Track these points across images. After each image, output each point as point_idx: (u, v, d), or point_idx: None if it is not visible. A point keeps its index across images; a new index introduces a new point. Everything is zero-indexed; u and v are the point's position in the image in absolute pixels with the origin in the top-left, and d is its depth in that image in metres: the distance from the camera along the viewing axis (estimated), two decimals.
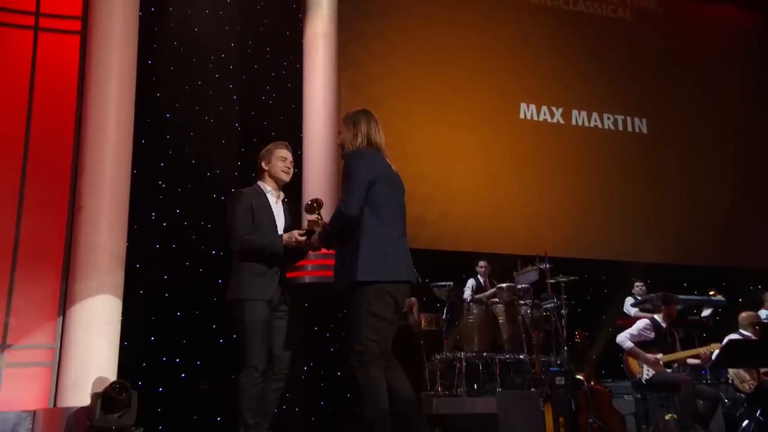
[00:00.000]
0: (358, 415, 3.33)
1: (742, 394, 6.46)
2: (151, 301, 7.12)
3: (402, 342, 4.16)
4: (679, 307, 6.69)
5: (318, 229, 3.73)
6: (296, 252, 4.04)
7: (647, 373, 6.07)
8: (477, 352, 6.75)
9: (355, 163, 3.49)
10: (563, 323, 6.99)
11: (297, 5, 8.98)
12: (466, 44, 9.95)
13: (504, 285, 7.25)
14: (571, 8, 10.91)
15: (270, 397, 3.91)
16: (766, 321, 7.55)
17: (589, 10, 11.03)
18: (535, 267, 7.44)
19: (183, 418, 7.00)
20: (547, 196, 9.80)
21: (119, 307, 5.94)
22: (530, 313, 7.02)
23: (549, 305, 7.14)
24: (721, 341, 6.37)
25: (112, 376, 5.66)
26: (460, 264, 8.57)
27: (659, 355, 6.09)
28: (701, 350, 6.20)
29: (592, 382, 5.79)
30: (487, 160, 9.70)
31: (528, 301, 7.11)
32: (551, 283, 7.12)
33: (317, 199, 3.85)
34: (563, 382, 5.87)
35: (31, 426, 5.50)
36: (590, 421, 5.98)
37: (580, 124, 10.49)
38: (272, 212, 4.07)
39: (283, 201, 4.20)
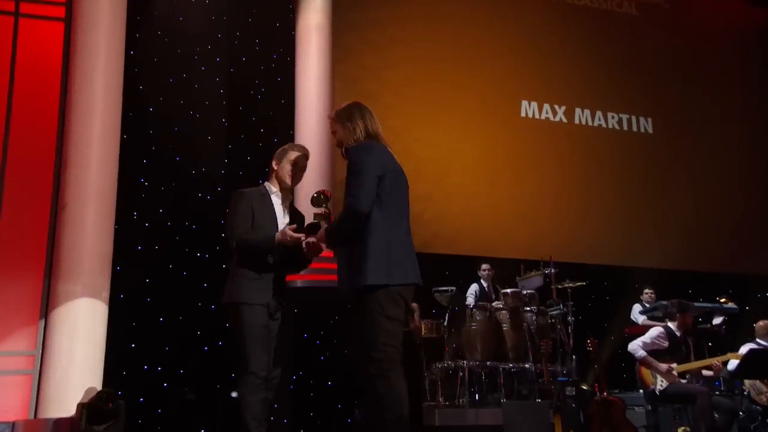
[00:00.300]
0: (375, 428, 3.20)
1: (758, 407, 6.39)
2: (132, 306, 7.01)
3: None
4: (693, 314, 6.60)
5: (325, 224, 3.57)
6: (298, 254, 3.87)
7: (661, 383, 5.96)
8: (480, 361, 6.67)
9: (364, 157, 3.40)
10: (570, 331, 6.91)
11: None
12: (465, 38, 9.86)
13: (509, 290, 7.14)
14: (575, 2, 10.85)
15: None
16: None
17: (594, 4, 10.97)
18: (540, 272, 7.39)
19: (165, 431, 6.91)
20: (547, 198, 9.74)
21: (105, 310, 5.82)
22: (536, 320, 6.93)
23: (555, 312, 7.06)
24: (733, 350, 6.30)
25: (97, 384, 5.54)
26: (459, 266, 8.51)
27: (673, 365, 5.99)
28: (714, 361, 6.12)
29: (605, 393, 5.68)
30: (486, 160, 9.62)
31: (533, 307, 7.04)
32: (556, 288, 7.03)
33: (323, 190, 3.71)
34: (573, 393, 5.76)
35: None
36: None
37: (583, 123, 10.43)
38: (275, 215, 3.97)
39: (291, 204, 4.11)
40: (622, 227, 10.01)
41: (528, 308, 7.01)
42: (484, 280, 8.06)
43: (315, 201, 3.64)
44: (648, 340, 6.16)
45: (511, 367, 6.72)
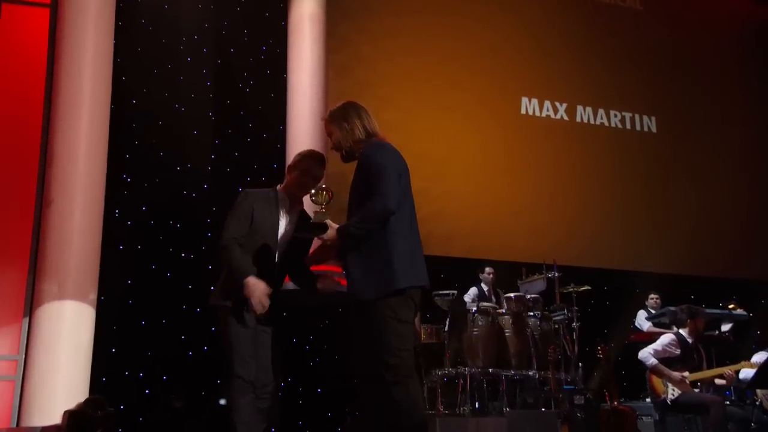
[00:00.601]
0: None
1: None
2: (112, 309, 6.91)
3: None
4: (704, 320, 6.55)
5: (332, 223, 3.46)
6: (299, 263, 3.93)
7: (672, 392, 5.90)
8: (482, 368, 6.57)
9: (382, 155, 3.40)
10: (575, 337, 6.84)
11: None
12: (464, 31, 9.80)
13: (512, 294, 7.07)
14: None
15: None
16: None
17: None
18: (543, 275, 7.33)
19: None
20: (546, 198, 9.69)
21: (92, 311, 5.68)
22: (539, 325, 6.86)
23: (559, 317, 7.00)
24: (740, 358, 6.24)
25: (84, 390, 5.40)
26: (456, 269, 8.43)
27: (685, 374, 5.93)
28: (727, 369, 6.06)
29: (615, 402, 5.60)
30: (484, 157, 9.57)
31: (537, 312, 6.95)
32: (561, 293, 6.98)
33: (327, 189, 3.58)
34: (582, 402, 5.69)
35: None
36: None
37: (585, 121, 10.39)
38: (275, 221, 3.90)
39: (300, 212, 4.01)
40: (622, 230, 9.97)
41: (531, 313, 6.93)
42: (485, 283, 7.97)
43: (316, 198, 3.52)
44: (659, 348, 6.11)
45: (514, 375, 6.64)
